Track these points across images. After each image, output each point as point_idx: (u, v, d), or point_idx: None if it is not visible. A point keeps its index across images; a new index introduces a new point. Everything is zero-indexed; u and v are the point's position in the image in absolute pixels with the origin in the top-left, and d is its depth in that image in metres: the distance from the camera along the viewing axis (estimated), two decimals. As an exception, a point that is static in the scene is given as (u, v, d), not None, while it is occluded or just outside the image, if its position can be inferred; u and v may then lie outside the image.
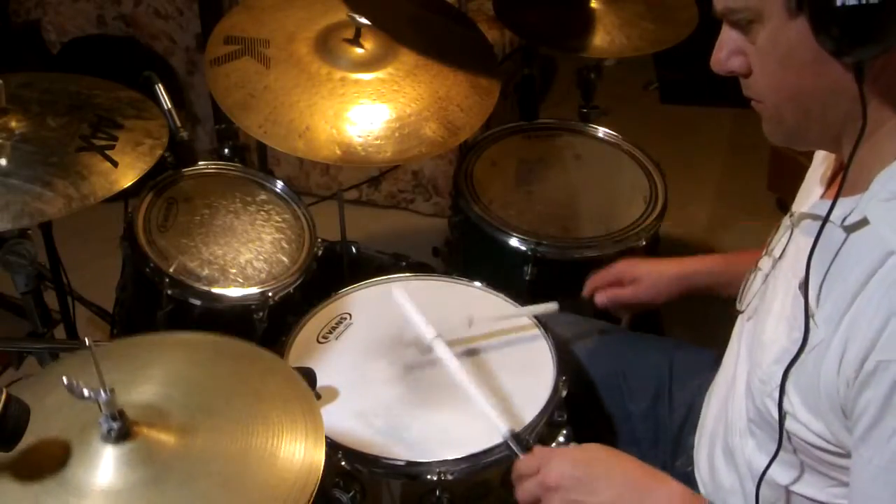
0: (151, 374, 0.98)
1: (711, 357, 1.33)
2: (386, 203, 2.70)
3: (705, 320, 1.55)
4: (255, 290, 1.50)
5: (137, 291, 1.58)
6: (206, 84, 1.59)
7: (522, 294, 1.49)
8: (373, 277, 1.48)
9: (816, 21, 0.82)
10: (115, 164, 1.35)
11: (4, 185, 1.27)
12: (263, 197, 1.66)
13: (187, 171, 1.63)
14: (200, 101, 2.70)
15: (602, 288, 1.47)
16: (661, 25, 1.86)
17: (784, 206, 1.04)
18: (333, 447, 1.16)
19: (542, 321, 1.38)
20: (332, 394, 1.26)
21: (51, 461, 0.88)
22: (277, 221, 1.63)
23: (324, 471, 0.89)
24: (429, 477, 1.15)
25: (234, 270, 1.53)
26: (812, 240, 0.91)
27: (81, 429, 0.89)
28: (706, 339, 1.41)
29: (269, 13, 1.65)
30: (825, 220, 0.90)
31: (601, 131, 1.96)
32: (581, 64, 2.05)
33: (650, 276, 1.42)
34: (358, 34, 1.59)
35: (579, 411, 1.31)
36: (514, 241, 1.68)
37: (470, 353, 1.34)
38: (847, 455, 0.90)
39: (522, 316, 1.40)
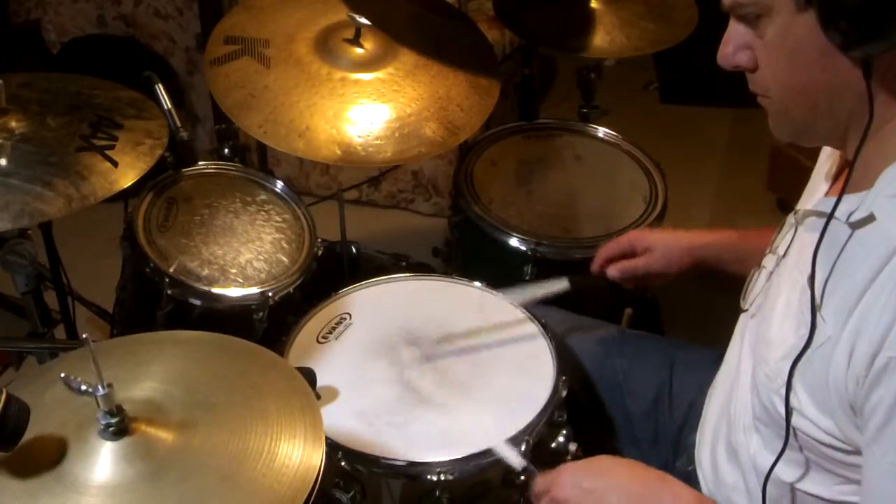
0: (150, 371, 0.98)
1: (712, 356, 1.33)
2: (386, 203, 2.70)
3: (706, 320, 1.55)
4: (255, 290, 1.50)
5: (137, 291, 1.58)
6: (206, 84, 1.59)
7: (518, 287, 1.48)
8: (373, 277, 1.48)
9: (825, 15, 0.83)
10: (115, 164, 1.35)
11: (4, 185, 1.27)
12: (263, 197, 1.66)
13: (187, 171, 1.63)
14: (200, 101, 2.70)
15: (613, 260, 1.44)
16: (661, 25, 1.86)
17: (784, 206, 1.04)
18: (333, 447, 1.16)
19: (541, 321, 1.38)
20: (332, 394, 1.26)
21: (48, 457, 0.87)
22: (277, 221, 1.63)
23: (324, 471, 0.89)
24: (429, 477, 1.15)
25: (234, 270, 1.53)
26: (817, 236, 0.91)
27: (79, 425, 0.89)
28: (707, 339, 1.41)
29: (269, 13, 1.65)
30: (830, 216, 0.90)
31: (601, 131, 1.96)
32: (581, 64, 2.05)
33: (662, 246, 1.39)
34: (358, 34, 1.59)
35: (579, 411, 1.31)
36: (514, 241, 1.68)
37: (470, 353, 1.33)
38: (855, 452, 0.90)
39: (534, 298, 1.37)
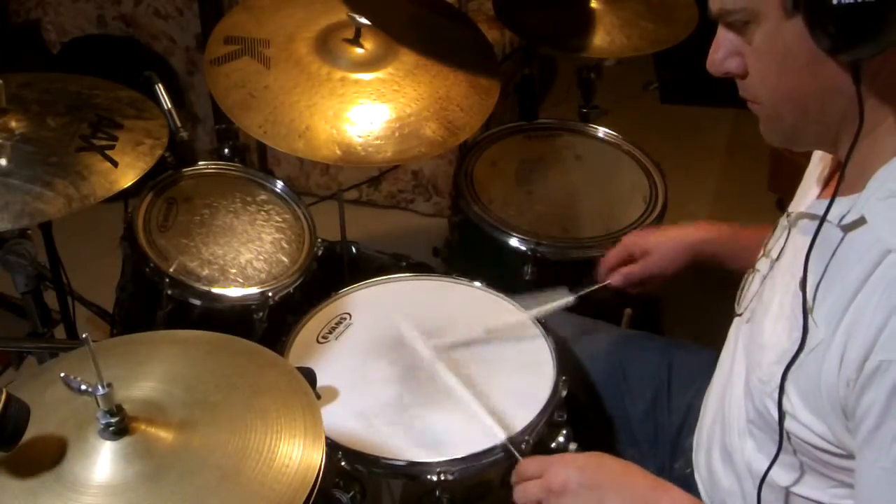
0: (150, 370, 0.98)
1: (712, 357, 1.32)
2: (386, 203, 2.70)
3: (706, 320, 1.55)
4: (255, 290, 1.50)
5: (137, 291, 1.58)
6: (206, 84, 1.59)
7: (522, 294, 1.48)
8: (373, 277, 1.48)
9: (813, 20, 0.82)
10: (115, 164, 1.35)
11: (4, 185, 1.27)
12: (263, 197, 1.66)
13: (187, 171, 1.63)
14: (200, 101, 2.70)
15: (614, 268, 1.46)
16: (661, 25, 1.86)
17: (784, 206, 1.04)
18: (333, 447, 1.16)
19: (542, 321, 1.38)
20: (332, 394, 1.26)
21: (48, 457, 0.88)
22: (277, 221, 1.63)
23: (324, 471, 0.89)
24: (429, 477, 1.15)
25: (234, 270, 1.53)
26: (809, 239, 0.91)
27: (79, 425, 0.90)
28: (706, 339, 1.41)
29: (269, 13, 1.65)
30: (822, 219, 0.89)
31: (601, 131, 1.96)
32: (581, 64, 2.05)
33: (660, 247, 1.42)
34: (358, 34, 1.59)
35: (579, 411, 1.31)
36: (514, 241, 1.68)
37: (470, 353, 1.33)
38: (848, 456, 0.90)
39: (539, 314, 1.37)
